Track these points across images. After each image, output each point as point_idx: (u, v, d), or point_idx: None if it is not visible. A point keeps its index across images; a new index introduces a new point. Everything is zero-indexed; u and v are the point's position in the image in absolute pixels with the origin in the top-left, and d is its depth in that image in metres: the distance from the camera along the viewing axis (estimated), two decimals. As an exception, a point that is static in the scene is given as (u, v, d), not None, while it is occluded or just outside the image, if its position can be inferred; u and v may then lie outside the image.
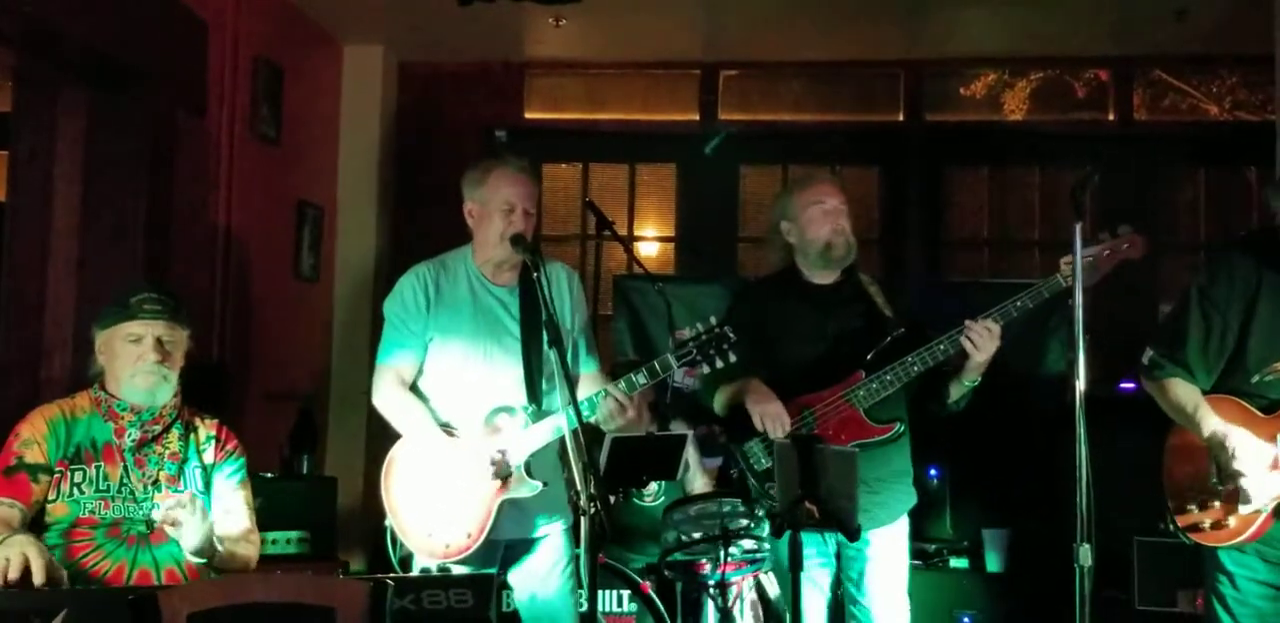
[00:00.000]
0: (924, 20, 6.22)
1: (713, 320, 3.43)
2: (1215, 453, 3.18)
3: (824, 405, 3.65)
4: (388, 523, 3.56)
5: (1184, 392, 3.27)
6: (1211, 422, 3.19)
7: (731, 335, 3.38)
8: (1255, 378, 3.22)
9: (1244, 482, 3.12)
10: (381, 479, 3.58)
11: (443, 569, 3.17)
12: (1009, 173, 7.01)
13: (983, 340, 3.50)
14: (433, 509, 3.49)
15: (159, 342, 3.17)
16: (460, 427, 3.57)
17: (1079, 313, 3.00)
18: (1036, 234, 6.93)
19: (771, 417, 3.59)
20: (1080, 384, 2.96)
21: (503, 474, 3.45)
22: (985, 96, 6.98)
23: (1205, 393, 3.28)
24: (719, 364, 3.41)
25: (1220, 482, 3.18)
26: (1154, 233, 6.42)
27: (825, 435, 3.57)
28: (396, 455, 3.60)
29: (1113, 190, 6.47)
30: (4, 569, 2.74)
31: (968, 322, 3.52)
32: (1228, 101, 6.89)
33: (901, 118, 6.96)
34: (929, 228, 6.88)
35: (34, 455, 3.08)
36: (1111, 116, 6.89)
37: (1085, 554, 2.89)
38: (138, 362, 3.15)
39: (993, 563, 5.50)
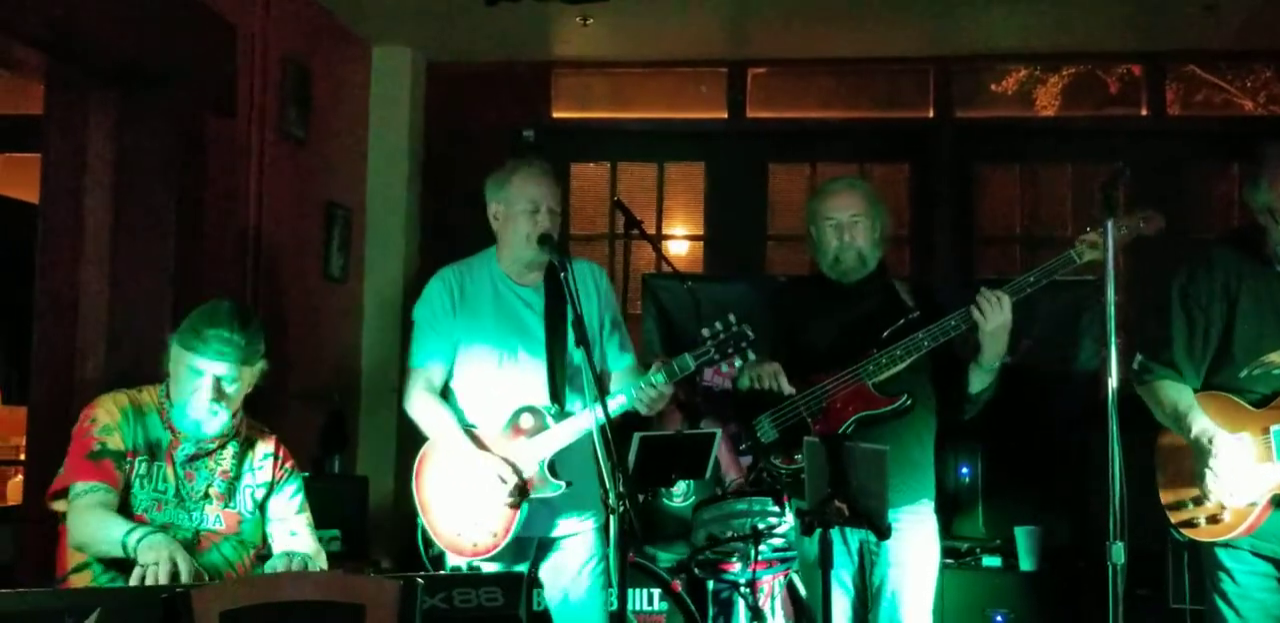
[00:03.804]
0: (953, 16, 6.18)
1: (731, 318, 3.45)
2: (1196, 453, 3.20)
3: (834, 380, 3.67)
4: (419, 519, 3.61)
5: (1174, 393, 3.30)
6: (1199, 422, 3.21)
7: (750, 334, 3.41)
8: (1244, 372, 3.24)
9: (1212, 482, 3.15)
10: (413, 478, 3.63)
11: (473, 568, 3.19)
12: (1040, 169, 6.97)
13: (990, 309, 3.48)
14: (460, 510, 3.53)
15: (217, 382, 3.09)
16: (484, 428, 3.60)
17: (1111, 310, 3.00)
18: (1068, 231, 6.87)
19: (769, 374, 3.63)
20: (1113, 382, 2.95)
21: (514, 497, 3.46)
22: (1016, 92, 6.94)
23: (1196, 391, 3.30)
24: (738, 363, 3.43)
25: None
26: (1187, 228, 6.43)
27: (833, 409, 3.63)
28: (426, 455, 3.65)
29: (1145, 185, 6.42)
30: (154, 574, 2.76)
31: (982, 289, 3.52)
32: (1262, 96, 6.83)
33: (931, 114, 6.91)
34: (960, 225, 6.84)
35: (115, 443, 3.06)
36: (1144, 112, 6.82)
37: (1118, 552, 2.88)
38: (193, 394, 3.10)
39: (1025, 562, 5.47)
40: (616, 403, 3.46)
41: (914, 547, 3.69)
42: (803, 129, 6.97)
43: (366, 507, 5.39)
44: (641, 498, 3.15)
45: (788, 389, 3.63)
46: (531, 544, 3.61)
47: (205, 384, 3.08)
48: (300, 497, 3.32)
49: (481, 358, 3.63)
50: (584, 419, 3.49)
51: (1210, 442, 3.15)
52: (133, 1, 4.39)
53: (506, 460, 3.49)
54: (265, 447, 3.29)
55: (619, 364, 3.75)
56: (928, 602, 3.73)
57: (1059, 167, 6.92)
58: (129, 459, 3.07)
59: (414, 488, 3.62)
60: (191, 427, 3.12)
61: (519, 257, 3.65)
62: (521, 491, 3.47)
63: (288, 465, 3.32)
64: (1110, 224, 3.06)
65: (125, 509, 3.04)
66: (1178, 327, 3.31)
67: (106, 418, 3.08)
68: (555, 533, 3.62)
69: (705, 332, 3.50)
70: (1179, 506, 3.28)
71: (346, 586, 2.45)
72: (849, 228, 3.77)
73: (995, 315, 3.49)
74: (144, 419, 3.13)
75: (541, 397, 3.58)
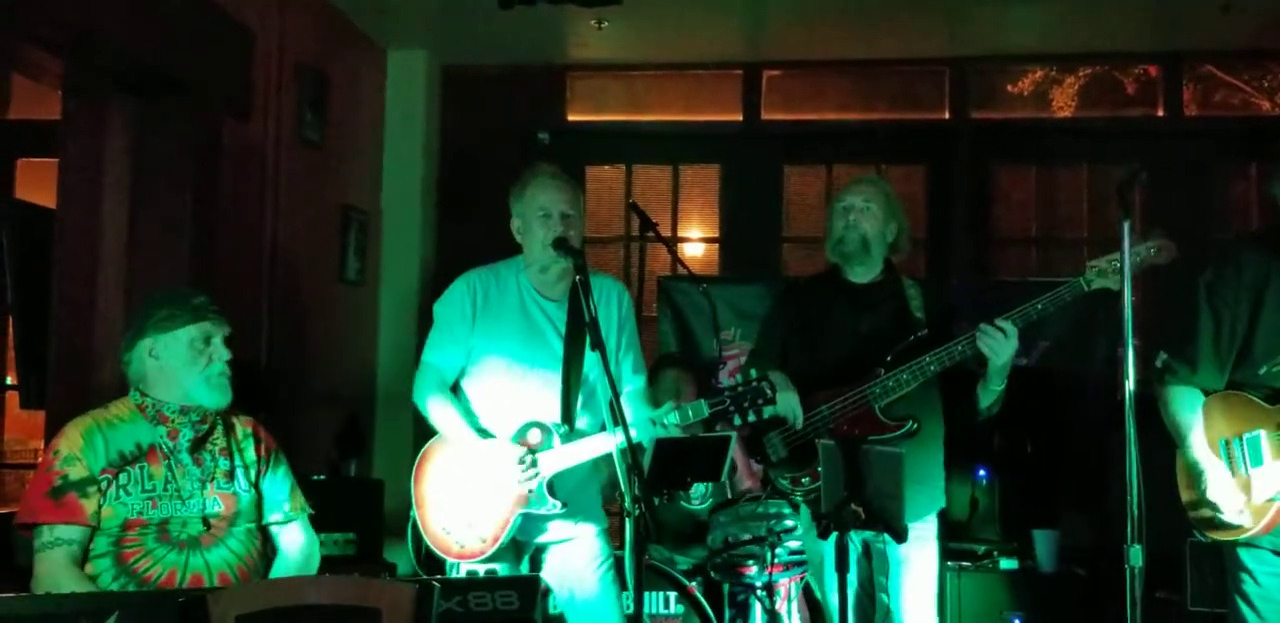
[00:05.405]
0: (969, 17, 6.17)
1: (753, 373, 3.45)
2: (1191, 479, 3.24)
3: (841, 401, 3.70)
4: (413, 513, 3.63)
5: (1182, 407, 3.30)
6: (1194, 452, 3.24)
7: (769, 391, 3.39)
8: (1263, 369, 3.24)
9: (1220, 503, 3.17)
10: (414, 470, 3.65)
11: (490, 572, 3.20)
12: (1057, 170, 6.94)
13: (998, 343, 3.53)
14: (454, 509, 3.55)
15: (225, 342, 3.22)
16: (492, 435, 3.60)
17: (1128, 312, 2.98)
18: (1085, 232, 6.85)
19: (791, 412, 3.68)
20: (1130, 384, 2.94)
21: (530, 477, 3.47)
22: (1033, 93, 6.92)
23: (1216, 391, 3.29)
24: (751, 418, 3.43)
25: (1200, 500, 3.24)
26: (1205, 229, 6.40)
27: (839, 431, 3.67)
28: (432, 451, 3.67)
29: (1163, 186, 6.39)
30: None
31: (982, 324, 3.56)
32: (1279, 96, 6.80)
33: (947, 116, 6.91)
34: (976, 226, 6.82)
35: (78, 472, 3.04)
36: (1161, 112, 6.80)
37: (1136, 555, 2.87)
38: (210, 363, 3.16)
39: (1043, 564, 5.45)
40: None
41: (915, 553, 3.71)
42: (818, 131, 6.96)
43: (382, 510, 5.39)
44: (657, 500, 3.15)
45: (800, 425, 3.68)
46: (528, 548, 3.63)
47: (219, 346, 3.19)
48: (290, 480, 3.34)
49: (498, 367, 3.63)
50: (594, 444, 3.48)
51: (1203, 476, 3.20)
52: (150, 8, 4.41)
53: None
54: (244, 427, 3.31)
55: (629, 385, 3.74)
56: (930, 604, 3.75)
57: (1075, 167, 6.89)
58: (102, 477, 3.06)
59: (413, 481, 3.64)
60: (218, 399, 3.19)
61: (537, 261, 3.64)
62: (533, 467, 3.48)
63: (269, 446, 3.33)
64: (1126, 226, 3.06)
65: (116, 517, 3.05)
66: (1204, 324, 3.29)
67: (68, 449, 3.08)
68: (545, 539, 3.63)
69: (726, 381, 3.52)
70: (1199, 505, 3.27)
71: (362, 589, 2.45)
72: (858, 212, 3.85)
73: (1004, 349, 3.55)
74: (112, 433, 3.12)
75: (553, 413, 3.58)
